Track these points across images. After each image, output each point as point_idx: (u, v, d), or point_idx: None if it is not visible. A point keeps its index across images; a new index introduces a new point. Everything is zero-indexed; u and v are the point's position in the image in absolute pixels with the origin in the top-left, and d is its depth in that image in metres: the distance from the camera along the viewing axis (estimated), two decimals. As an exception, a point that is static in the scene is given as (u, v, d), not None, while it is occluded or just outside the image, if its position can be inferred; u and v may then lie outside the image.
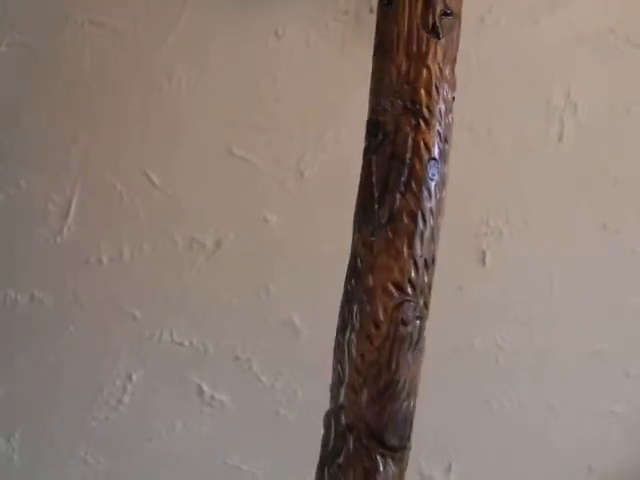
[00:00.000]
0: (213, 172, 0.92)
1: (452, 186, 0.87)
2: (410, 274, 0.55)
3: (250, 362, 0.96)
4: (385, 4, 0.61)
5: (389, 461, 0.54)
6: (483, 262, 0.93)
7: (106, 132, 0.92)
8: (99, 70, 0.92)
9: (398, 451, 0.55)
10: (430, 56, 0.58)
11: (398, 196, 0.56)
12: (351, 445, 0.54)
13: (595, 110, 0.90)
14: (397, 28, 0.59)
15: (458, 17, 0.62)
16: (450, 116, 0.59)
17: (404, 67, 0.58)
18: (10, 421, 0.98)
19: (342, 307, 0.58)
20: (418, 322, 0.55)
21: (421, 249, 0.55)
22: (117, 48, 0.91)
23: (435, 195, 0.56)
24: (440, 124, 0.57)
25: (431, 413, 0.93)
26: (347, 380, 0.56)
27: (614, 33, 0.89)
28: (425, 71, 0.57)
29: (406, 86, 0.57)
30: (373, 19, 0.68)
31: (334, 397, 0.58)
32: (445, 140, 0.57)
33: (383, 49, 0.60)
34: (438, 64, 0.58)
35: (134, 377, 0.96)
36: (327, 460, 0.56)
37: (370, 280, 0.55)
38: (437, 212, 0.56)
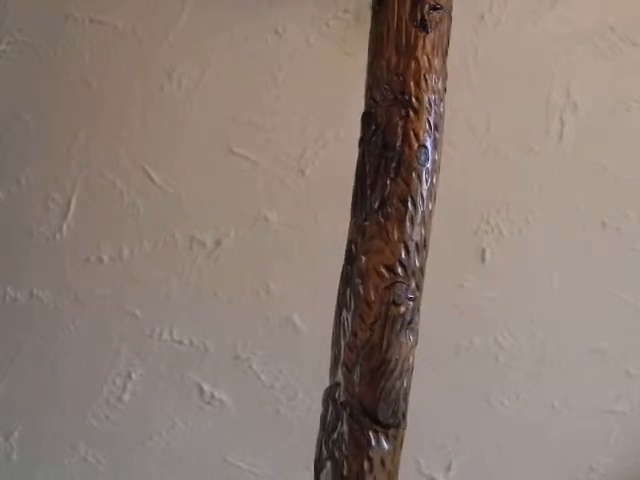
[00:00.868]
0: (213, 170, 0.92)
1: (452, 185, 0.88)
2: (400, 256, 0.57)
3: (250, 361, 0.95)
4: (378, 2, 0.64)
5: (382, 438, 0.56)
6: (483, 260, 0.93)
7: (106, 130, 0.92)
8: (99, 68, 0.92)
9: (390, 428, 0.56)
10: (419, 49, 0.60)
11: (388, 182, 0.58)
12: (345, 421, 0.56)
13: (595, 109, 0.90)
14: (387, 24, 0.62)
15: (448, 10, 0.64)
16: (442, 105, 0.61)
17: (394, 60, 0.61)
18: (9, 419, 0.98)
19: (339, 289, 0.60)
20: (411, 303, 0.57)
21: (412, 232, 0.57)
22: (117, 46, 0.91)
23: (425, 180, 0.58)
24: (430, 113, 0.59)
25: (431, 412, 0.93)
26: (342, 358, 0.58)
27: (614, 31, 0.89)
28: (414, 63, 0.60)
29: (395, 78, 0.60)
30: (373, 17, 0.68)
31: (332, 375, 0.59)
32: (435, 128, 0.60)
33: (375, 45, 0.63)
34: (427, 56, 0.60)
35: (134, 375, 0.96)
36: (324, 436, 0.58)
37: (363, 263, 0.58)
38: (428, 197, 0.58)
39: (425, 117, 0.59)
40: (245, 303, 0.94)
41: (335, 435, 0.57)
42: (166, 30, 0.91)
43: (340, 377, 0.58)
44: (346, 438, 0.56)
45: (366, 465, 0.55)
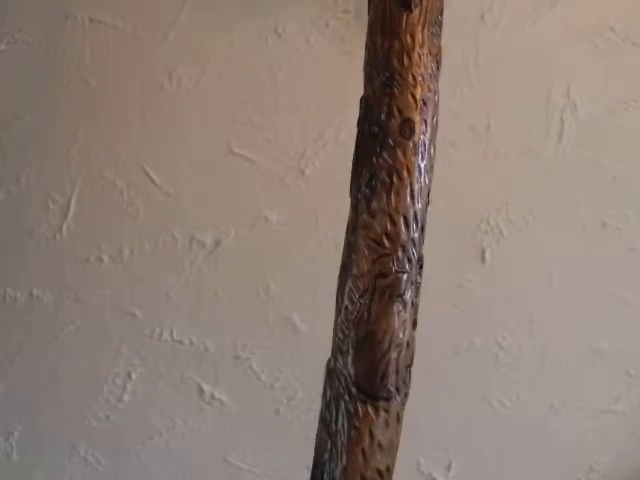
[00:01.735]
0: (213, 170, 0.92)
1: (452, 185, 0.88)
2: (387, 229, 0.58)
3: (250, 361, 0.95)
4: None
5: (370, 409, 0.56)
6: (483, 260, 0.93)
7: (106, 130, 0.92)
8: (99, 68, 0.92)
9: (379, 400, 0.57)
10: (402, 28, 0.62)
11: (374, 158, 0.59)
12: (338, 392, 0.58)
13: (595, 109, 0.90)
14: (375, 8, 0.64)
15: None
16: (431, 79, 0.62)
17: (379, 42, 0.63)
18: (9, 419, 0.98)
19: (340, 268, 0.62)
20: (401, 275, 0.58)
21: (397, 205, 0.58)
22: (117, 46, 0.91)
23: (413, 154, 0.59)
24: (415, 88, 0.60)
25: (431, 412, 0.93)
26: (337, 330, 0.59)
27: (614, 31, 0.89)
28: (397, 42, 0.62)
29: (382, 59, 0.62)
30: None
31: (332, 348, 0.60)
32: (424, 102, 0.60)
33: (368, 31, 0.65)
34: (410, 34, 0.62)
35: (134, 375, 0.96)
36: (323, 407, 0.59)
37: (355, 238, 0.59)
38: (417, 171, 0.59)
39: (409, 92, 0.60)
40: (245, 303, 0.94)
41: (330, 405, 0.58)
42: (166, 30, 0.91)
43: (335, 348, 0.59)
44: (336, 407, 0.57)
45: (354, 435, 0.56)
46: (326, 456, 0.58)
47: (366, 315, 0.57)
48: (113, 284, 0.94)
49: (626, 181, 0.91)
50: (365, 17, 0.79)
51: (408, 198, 0.58)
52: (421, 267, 0.60)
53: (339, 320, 0.59)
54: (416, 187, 0.59)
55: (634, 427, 0.96)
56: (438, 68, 0.63)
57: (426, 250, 0.61)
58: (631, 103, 0.90)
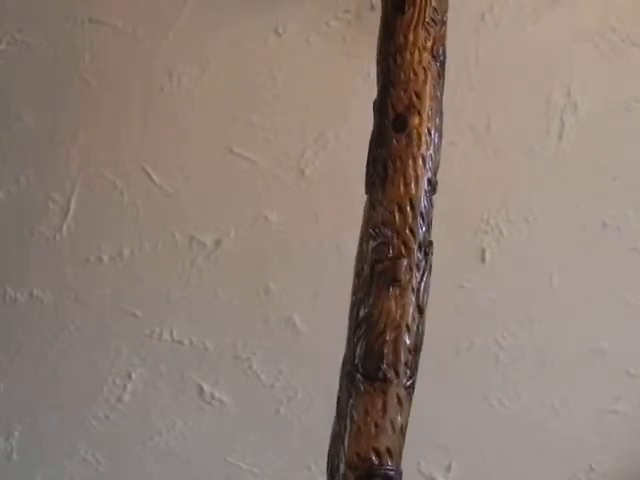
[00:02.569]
0: (213, 170, 0.92)
1: (452, 185, 0.88)
2: (382, 217, 0.62)
3: (250, 361, 0.95)
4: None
5: (369, 389, 0.58)
6: (483, 260, 0.93)
7: (106, 130, 0.92)
8: (99, 68, 0.92)
9: (375, 381, 0.58)
10: (395, 30, 0.66)
11: (375, 149, 0.64)
12: (344, 372, 0.60)
13: (595, 109, 0.90)
14: (381, 19, 0.69)
15: None
16: (424, 75, 0.64)
17: (379, 46, 0.67)
18: (9, 419, 0.98)
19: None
20: (396, 261, 0.60)
21: (392, 194, 0.61)
22: (117, 46, 0.92)
23: (405, 145, 0.62)
24: (409, 83, 0.64)
25: (431, 412, 0.93)
26: (348, 316, 0.62)
27: (615, 32, 0.89)
28: (391, 43, 0.66)
29: (382, 62, 0.66)
30: (374, 17, 0.69)
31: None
32: (417, 96, 0.63)
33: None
34: (403, 34, 0.65)
35: (134, 375, 0.96)
36: (339, 387, 0.62)
37: (361, 230, 0.64)
38: (407, 160, 0.62)
39: (402, 88, 0.64)
40: (245, 303, 0.94)
41: (341, 384, 0.61)
42: (166, 30, 0.91)
43: (348, 334, 0.63)
44: (343, 389, 0.60)
45: (352, 414, 0.58)
46: (334, 434, 0.60)
47: (364, 299, 0.60)
48: (113, 284, 0.94)
49: (627, 181, 0.91)
50: (365, 17, 0.80)
51: (402, 186, 0.61)
52: (426, 253, 0.62)
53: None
54: (410, 175, 0.62)
55: (635, 427, 0.96)
56: (435, 60, 0.66)
57: (426, 250, 0.61)
58: (632, 103, 0.90)
